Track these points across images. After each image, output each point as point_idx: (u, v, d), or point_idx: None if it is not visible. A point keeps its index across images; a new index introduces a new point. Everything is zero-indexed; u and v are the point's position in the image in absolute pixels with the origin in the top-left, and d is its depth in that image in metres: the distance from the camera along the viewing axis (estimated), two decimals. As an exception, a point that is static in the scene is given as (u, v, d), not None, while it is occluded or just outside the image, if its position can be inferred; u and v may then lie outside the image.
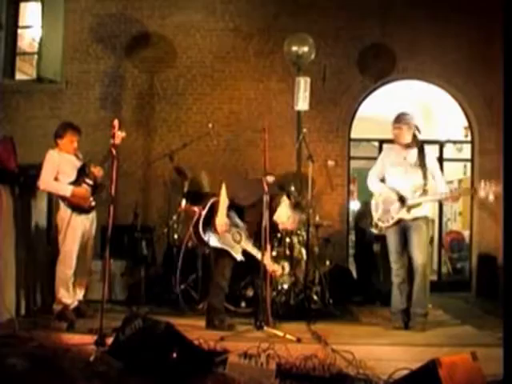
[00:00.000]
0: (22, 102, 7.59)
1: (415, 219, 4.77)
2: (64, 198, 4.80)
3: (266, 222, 4.45)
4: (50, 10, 7.61)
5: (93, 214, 5.02)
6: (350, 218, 7.59)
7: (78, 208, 4.83)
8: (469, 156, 7.62)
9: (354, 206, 8.88)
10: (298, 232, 5.57)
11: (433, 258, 7.22)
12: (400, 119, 4.92)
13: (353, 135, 7.46)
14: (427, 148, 5.00)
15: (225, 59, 7.44)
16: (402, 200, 4.78)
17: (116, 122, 4.11)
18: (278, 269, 4.94)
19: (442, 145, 7.69)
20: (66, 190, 4.79)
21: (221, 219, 4.60)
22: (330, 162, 6.51)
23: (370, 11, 7.26)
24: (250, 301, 5.25)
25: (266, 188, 4.46)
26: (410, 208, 4.75)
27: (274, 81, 7.37)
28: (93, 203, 4.96)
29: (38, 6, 7.93)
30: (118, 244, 5.80)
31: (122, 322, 3.48)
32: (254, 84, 7.39)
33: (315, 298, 5.48)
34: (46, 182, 4.78)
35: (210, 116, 7.26)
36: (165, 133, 7.43)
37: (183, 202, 5.77)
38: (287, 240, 5.48)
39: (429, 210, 4.96)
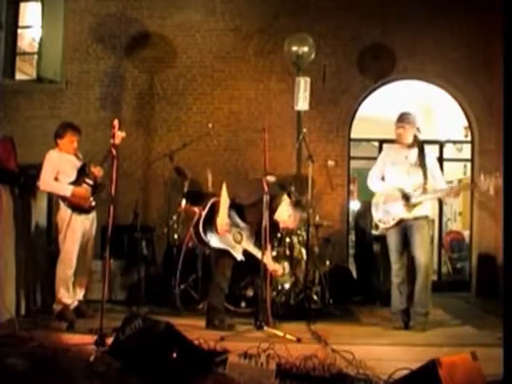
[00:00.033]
0: (22, 102, 7.58)
1: (416, 219, 4.77)
2: (64, 198, 4.80)
3: (266, 221, 4.45)
4: (50, 10, 7.61)
5: (93, 214, 5.03)
6: (350, 218, 7.58)
7: (78, 208, 4.83)
8: (469, 156, 7.61)
9: (354, 205, 8.87)
10: (298, 232, 5.58)
11: (433, 258, 7.21)
12: (403, 119, 4.92)
13: (353, 135, 7.45)
14: (427, 148, 5.01)
15: (225, 59, 7.43)
16: (406, 197, 4.77)
17: (116, 122, 4.11)
18: (278, 268, 4.94)
19: (442, 145, 7.68)
20: (66, 190, 4.79)
21: (222, 219, 4.60)
22: (330, 162, 6.50)
23: (370, 11, 7.25)
24: (250, 301, 5.25)
25: (266, 188, 4.47)
26: (413, 206, 4.74)
27: (274, 81, 7.37)
28: (93, 203, 4.96)
29: (38, 6, 7.93)
30: (118, 244, 5.82)
31: (122, 322, 3.48)
32: (254, 84, 7.39)
33: (315, 297, 5.48)
34: (46, 182, 4.79)
35: (209, 116, 7.26)
36: (165, 133, 7.42)
37: (183, 202, 5.77)
38: (287, 240, 5.48)
39: (429, 209, 4.96)
